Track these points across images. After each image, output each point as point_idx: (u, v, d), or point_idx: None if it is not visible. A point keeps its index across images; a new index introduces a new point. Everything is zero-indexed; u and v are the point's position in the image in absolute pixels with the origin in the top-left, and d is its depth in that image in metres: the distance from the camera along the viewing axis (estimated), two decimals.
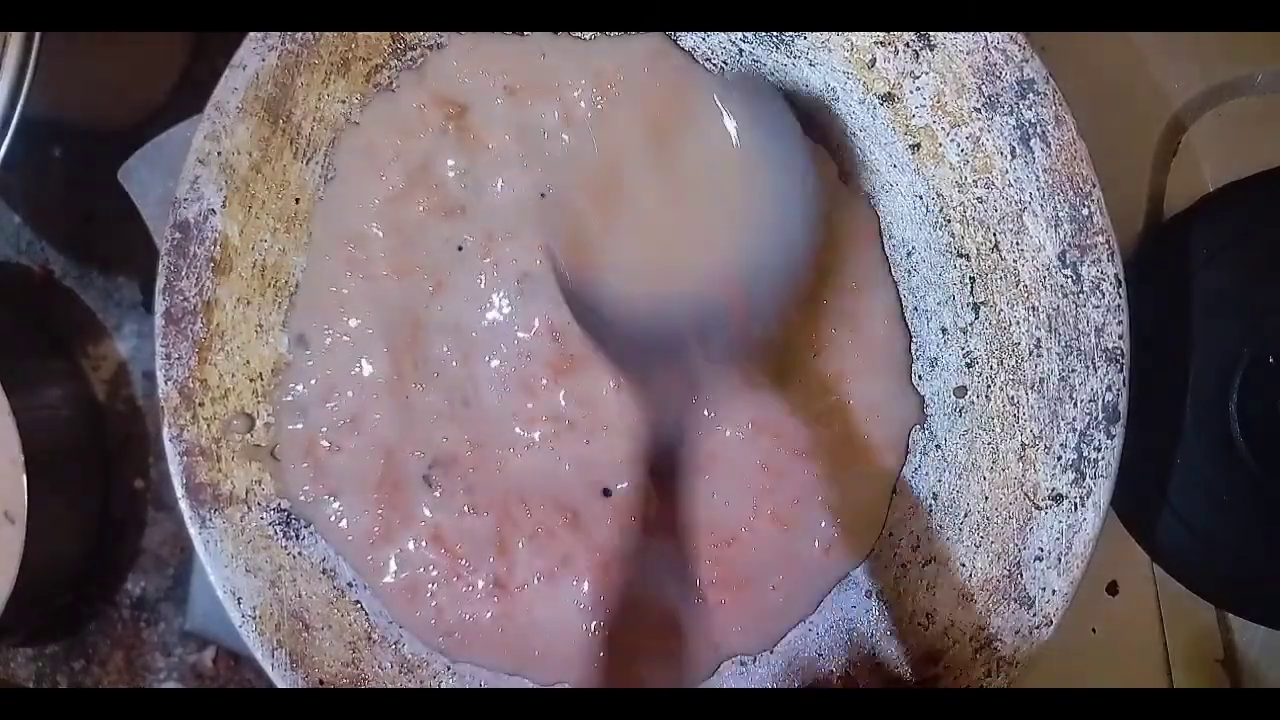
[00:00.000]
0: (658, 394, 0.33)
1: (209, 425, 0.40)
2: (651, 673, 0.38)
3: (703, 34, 0.39)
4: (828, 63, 0.38)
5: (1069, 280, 0.35)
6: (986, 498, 0.37)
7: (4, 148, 0.36)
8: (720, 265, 0.32)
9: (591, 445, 0.39)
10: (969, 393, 0.37)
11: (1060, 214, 0.35)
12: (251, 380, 0.40)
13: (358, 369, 0.40)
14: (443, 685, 0.40)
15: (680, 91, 0.34)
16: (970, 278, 0.37)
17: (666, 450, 0.32)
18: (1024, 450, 0.36)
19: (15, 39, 0.36)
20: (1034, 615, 0.35)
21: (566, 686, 0.39)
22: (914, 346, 0.38)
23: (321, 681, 0.39)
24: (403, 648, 0.40)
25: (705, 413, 0.35)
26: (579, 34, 0.39)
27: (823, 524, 0.38)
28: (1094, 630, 0.41)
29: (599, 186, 0.34)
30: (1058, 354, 0.36)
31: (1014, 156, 0.36)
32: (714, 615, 0.38)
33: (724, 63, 0.39)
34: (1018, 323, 0.36)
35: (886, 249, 0.38)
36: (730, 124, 0.32)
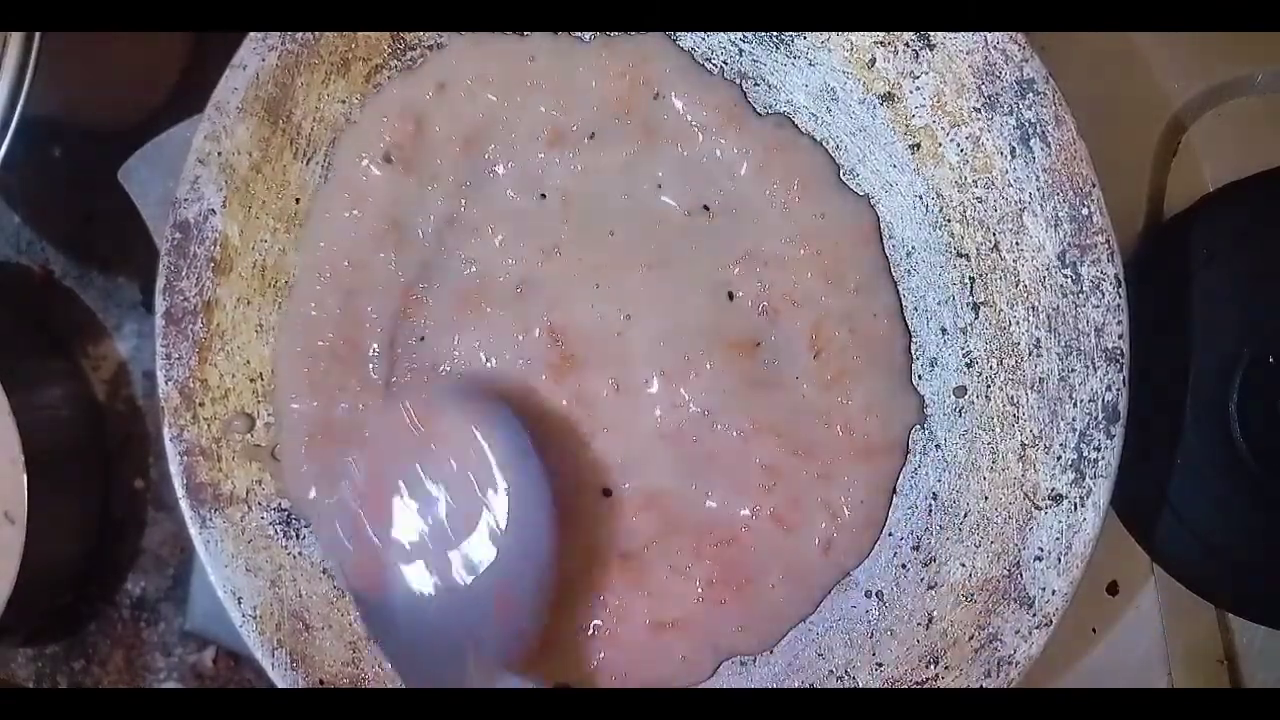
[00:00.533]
0: None
1: (209, 425, 0.40)
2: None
3: (702, 34, 0.39)
4: (828, 63, 0.38)
5: (1069, 280, 0.35)
6: (986, 498, 0.37)
7: (4, 148, 0.36)
8: (483, 574, 0.35)
9: (592, 446, 0.39)
10: (969, 393, 0.37)
11: (1060, 214, 0.35)
12: (252, 380, 0.40)
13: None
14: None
15: (436, 413, 0.36)
16: (970, 278, 0.37)
17: None
18: (1024, 450, 0.36)
19: (15, 39, 0.36)
20: (1034, 615, 0.35)
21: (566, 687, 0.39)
22: (914, 346, 0.38)
23: (321, 681, 0.39)
24: None
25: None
26: (579, 34, 0.39)
27: (823, 524, 0.38)
28: (1094, 630, 0.41)
29: (370, 502, 0.36)
30: (1057, 354, 0.36)
31: (1014, 156, 0.36)
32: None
33: (724, 63, 0.39)
34: (1017, 323, 0.36)
35: (886, 249, 0.38)
36: (477, 445, 0.35)
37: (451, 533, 0.35)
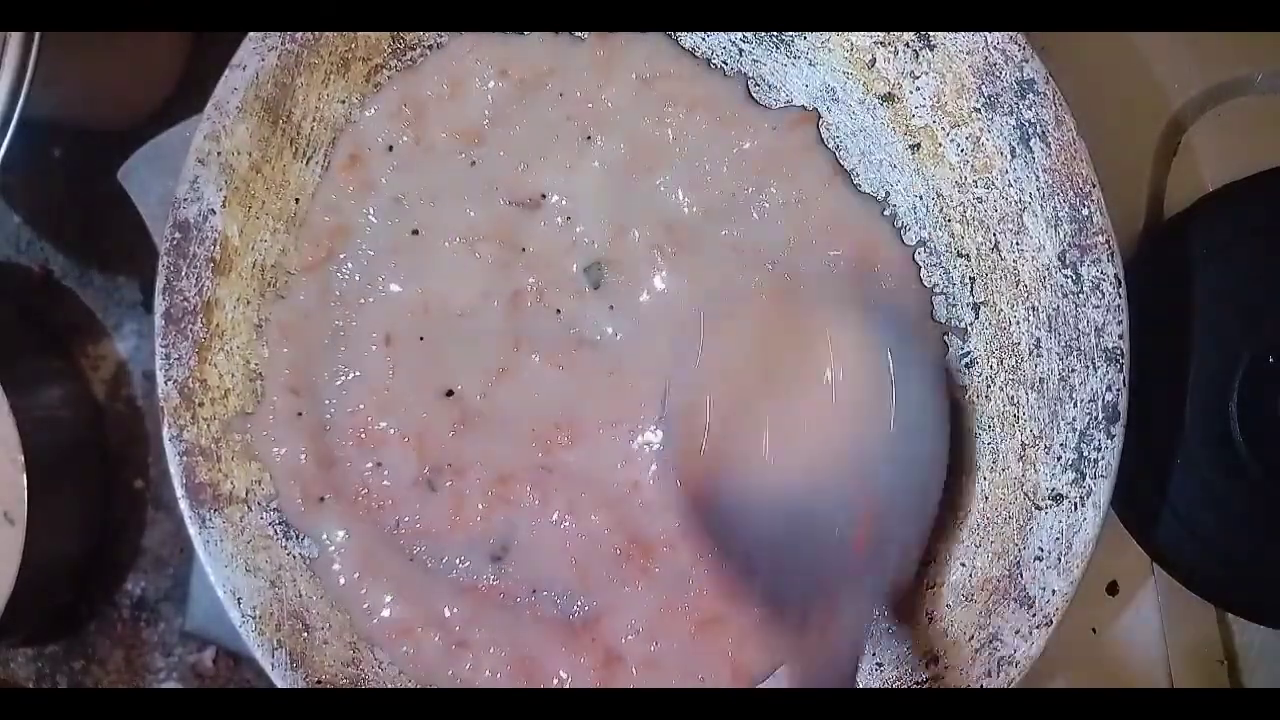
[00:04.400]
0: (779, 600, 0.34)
1: (209, 425, 0.40)
2: None
3: (702, 34, 0.39)
4: (828, 63, 0.38)
5: (1069, 280, 0.35)
6: (986, 498, 0.37)
7: (4, 148, 0.36)
8: (850, 488, 0.33)
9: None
10: (969, 393, 0.37)
11: (1060, 214, 0.35)
12: (251, 380, 0.40)
13: None
14: (442, 685, 0.40)
15: (819, 311, 0.35)
16: (970, 278, 0.37)
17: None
18: (1024, 450, 0.36)
19: (15, 39, 0.36)
20: (1034, 615, 0.35)
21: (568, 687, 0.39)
22: None
23: (321, 681, 0.39)
24: None
25: None
26: (579, 34, 0.39)
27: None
28: (1094, 630, 0.41)
29: (720, 394, 0.35)
30: (1058, 354, 0.36)
31: (1014, 156, 0.36)
32: None
33: (724, 63, 0.39)
34: (1018, 323, 0.36)
35: None
36: (873, 355, 0.34)
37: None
